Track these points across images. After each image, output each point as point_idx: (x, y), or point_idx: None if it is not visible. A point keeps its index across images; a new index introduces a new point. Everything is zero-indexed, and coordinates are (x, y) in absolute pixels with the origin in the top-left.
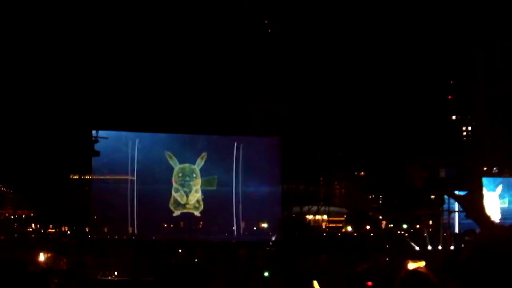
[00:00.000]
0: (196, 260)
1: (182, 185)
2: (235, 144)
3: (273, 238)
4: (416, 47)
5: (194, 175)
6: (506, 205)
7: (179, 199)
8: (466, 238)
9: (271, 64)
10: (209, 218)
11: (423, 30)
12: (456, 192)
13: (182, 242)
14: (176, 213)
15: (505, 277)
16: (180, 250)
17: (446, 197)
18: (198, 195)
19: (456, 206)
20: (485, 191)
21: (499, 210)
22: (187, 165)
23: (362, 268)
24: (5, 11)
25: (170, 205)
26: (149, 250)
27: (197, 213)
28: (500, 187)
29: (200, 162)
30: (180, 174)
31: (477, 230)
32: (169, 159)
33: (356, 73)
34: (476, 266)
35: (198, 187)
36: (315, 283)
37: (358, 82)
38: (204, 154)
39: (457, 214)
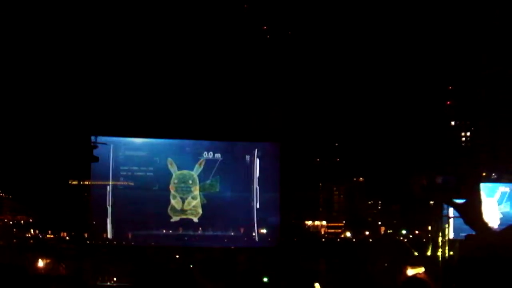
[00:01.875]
0: (191, 266)
1: (179, 191)
2: (234, 150)
3: (272, 244)
4: (414, 52)
5: (191, 181)
6: (507, 210)
7: (176, 205)
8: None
9: (270, 70)
10: (208, 224)
11: (422, 35)
12: (455, 200)
13: (180, 248)
14: (175, 219)
15: (500, 282)
16: (178, 256)
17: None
18: (196, 201)
19: (451, 212)
20: (483, 196)
21: (499, 216)
22: (185, 171)
23: (362, 276)
24: (1, 14)
25: (168, 212)
26: (147, 256)
27: (195, 219)
28: (499, 192)
29: (198, 168)
30: (176, 181)
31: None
32: (169, 166)
33: (355, 79)
34: (471, 270)
35: (196, 193)
36: (317, 285)
37: (356, 88)
38: (203, 160)
39: (452, 220)
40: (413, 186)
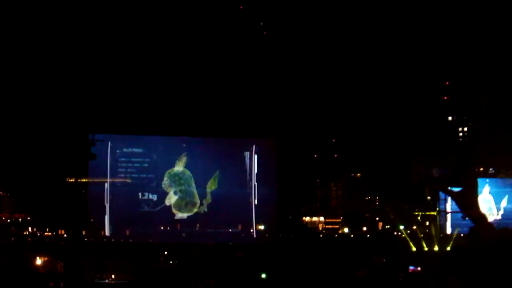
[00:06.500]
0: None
1: (167, 187)
2: (231, 146)
3: (270, 240)
4: (412, 47)
5: (167, 178)
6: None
7: (166, 201)
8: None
9: (266, 66)
10: (206, 221)
11: (419, 31)
12: (451, 188)
13: (178, 245)
14: (172, 216)
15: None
16: (175, 253)
17: (442, 197)
18: (177, 197)
19: (449, 207)
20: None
21: (498, 211)
22: (174, 169)
23: (362, 274)
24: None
25: (165, 208)
26: (145, 253)
27: (191, 215)
28: (487, 186)
29: (181, 164)
30: (166, 177)
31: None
32: (177, 163)
33: (352, 74)
34: (486, 263)
35: (183, 188)
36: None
37: (354, 83)
38: (185, 154)
39: (449, 216)
40: (411, 177)
